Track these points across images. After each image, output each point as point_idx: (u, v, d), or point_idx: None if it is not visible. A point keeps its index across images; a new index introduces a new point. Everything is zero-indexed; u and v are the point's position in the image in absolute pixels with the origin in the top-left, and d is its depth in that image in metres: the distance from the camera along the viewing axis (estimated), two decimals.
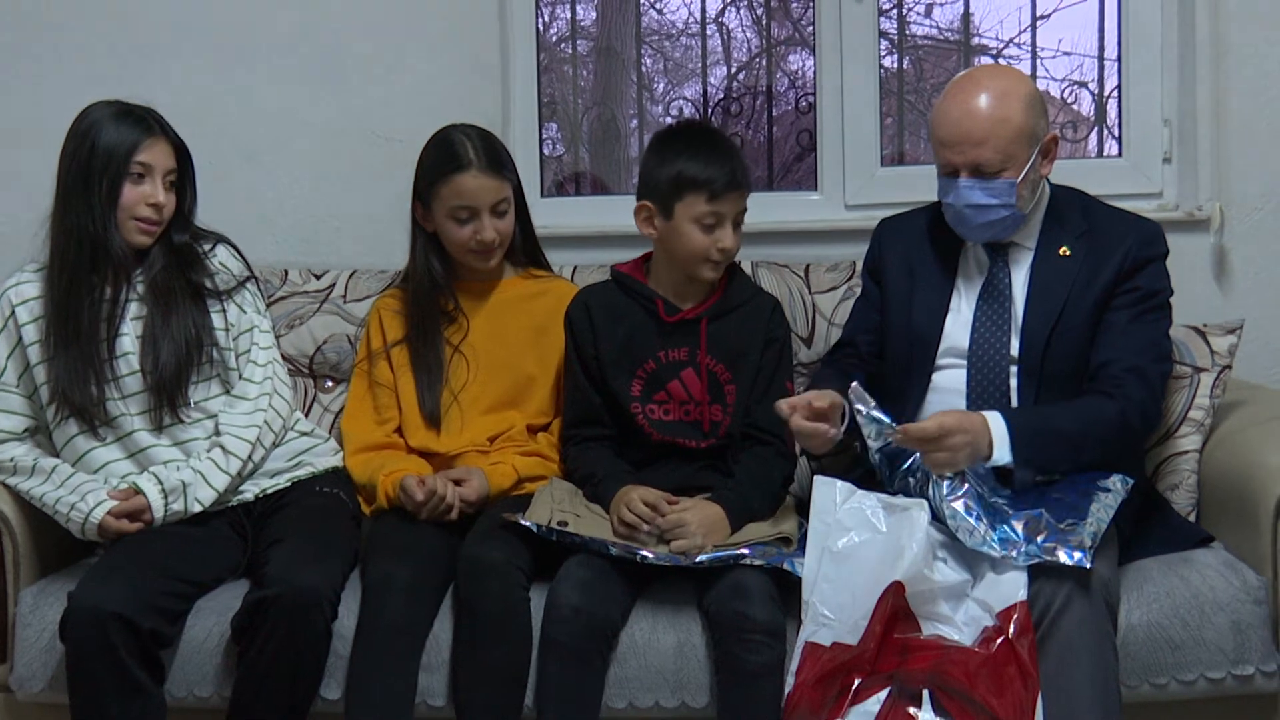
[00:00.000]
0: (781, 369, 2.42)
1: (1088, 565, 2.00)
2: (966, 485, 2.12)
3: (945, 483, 2.11)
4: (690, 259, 2.33)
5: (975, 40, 3.33)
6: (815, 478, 2.18)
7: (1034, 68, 3.18)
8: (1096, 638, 2.00)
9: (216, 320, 2.42)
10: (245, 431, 2.36)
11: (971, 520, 2.08)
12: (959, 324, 2.36)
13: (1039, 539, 2.04)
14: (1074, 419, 2.21)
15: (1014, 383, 2.30)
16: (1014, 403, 2.29)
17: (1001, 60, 3.23)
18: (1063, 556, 2.01)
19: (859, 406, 2.16)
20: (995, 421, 2.15)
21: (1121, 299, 2.29)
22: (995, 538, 2.06)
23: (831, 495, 2.15)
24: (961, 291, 2.38)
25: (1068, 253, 2.32)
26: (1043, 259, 2.33)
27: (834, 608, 2.05)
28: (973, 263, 2.39)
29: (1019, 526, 2.07)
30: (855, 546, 2.08)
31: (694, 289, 2.39)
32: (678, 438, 2.38)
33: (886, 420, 2.14)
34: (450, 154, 2.45)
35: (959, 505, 2.09)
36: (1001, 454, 2.14)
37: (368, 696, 2.12)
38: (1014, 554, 2.04)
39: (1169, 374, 2.38)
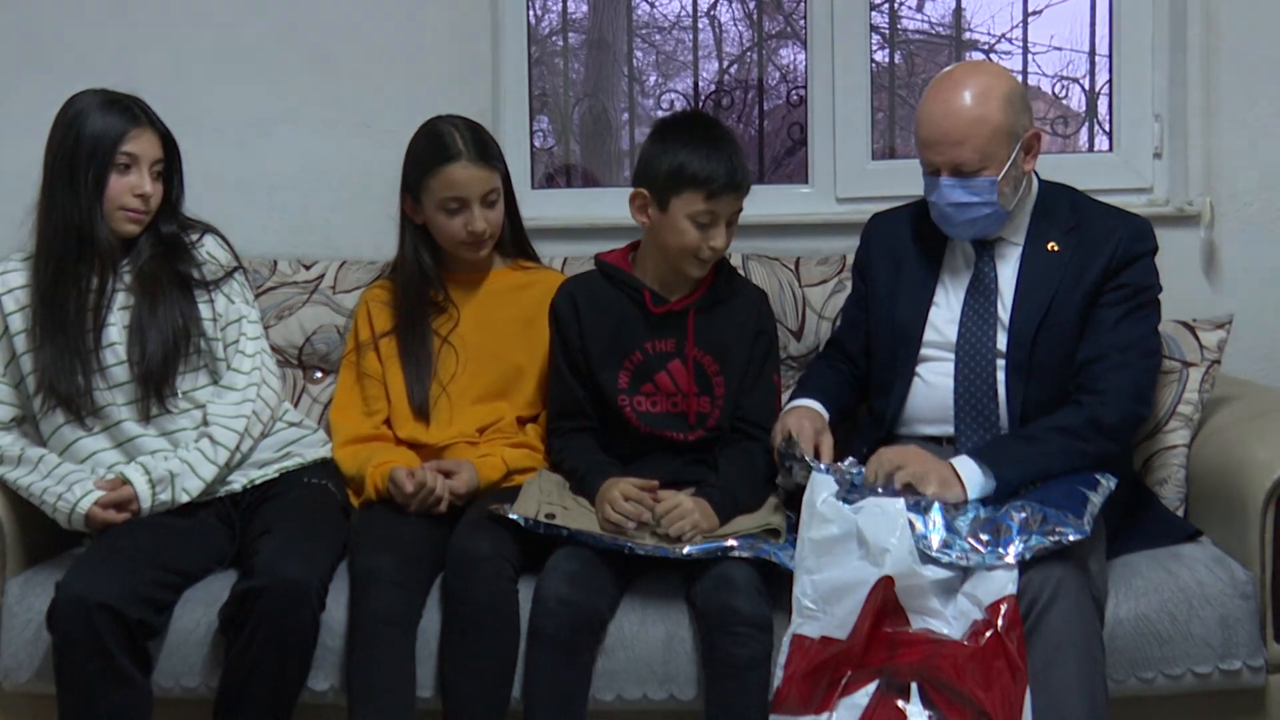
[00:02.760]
0: (770, 362, 2.42)
1: (1088, 531, 2.01)
2: (953, 515, 2.11)
3: (933, 531, 2.09)
4: (679, 254, 2.32)
5: (967, 35, 3.33)
6: (813, 472, 2.18)
7: (1025, 63, 3.18)
8: (1083, 632, 2.00)
9: (204, 310, 2.41)
10: (233, 422, 2.35)
11: (976, 549, 2.07)
12: (944, 318, 2.36)
13: (1038, 528, 2.04)
14: (1043, 432, 2.22)
15: (1001, 376, 2.30)
16: (1002, 397, 2.30)
17: (993, 56, 3.24)
18: (1067, 536, 2.01)
19: (814, 463, 2.19)
20: (960, 463, 2.16)
21: (1110, 295, 2.29)
22: (1000, 549, 2.05)
23: (821, 488, 2.15)
24: (948, 286, 2.39)
25: (1056, 248, 2.32)
26: (1031, 254, 2.34)
27: (818, 600, 2.05)
28: (959, 257, 2.40)
29: (1017, 521, 2.06)
30: (835, 539, 2.07)
31: (681, 280, 2.39)
32: (664, 430, 2.37)
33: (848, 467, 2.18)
34: (439, 145, 2.44)
35: (960, 550, 2.07)
36: (973, 481, 2.14)
37: (367, 692, 2.11)
38: (1017, 551, 2.03)
39: (1156, 369, 2.38)
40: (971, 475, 2.14)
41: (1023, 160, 2.30)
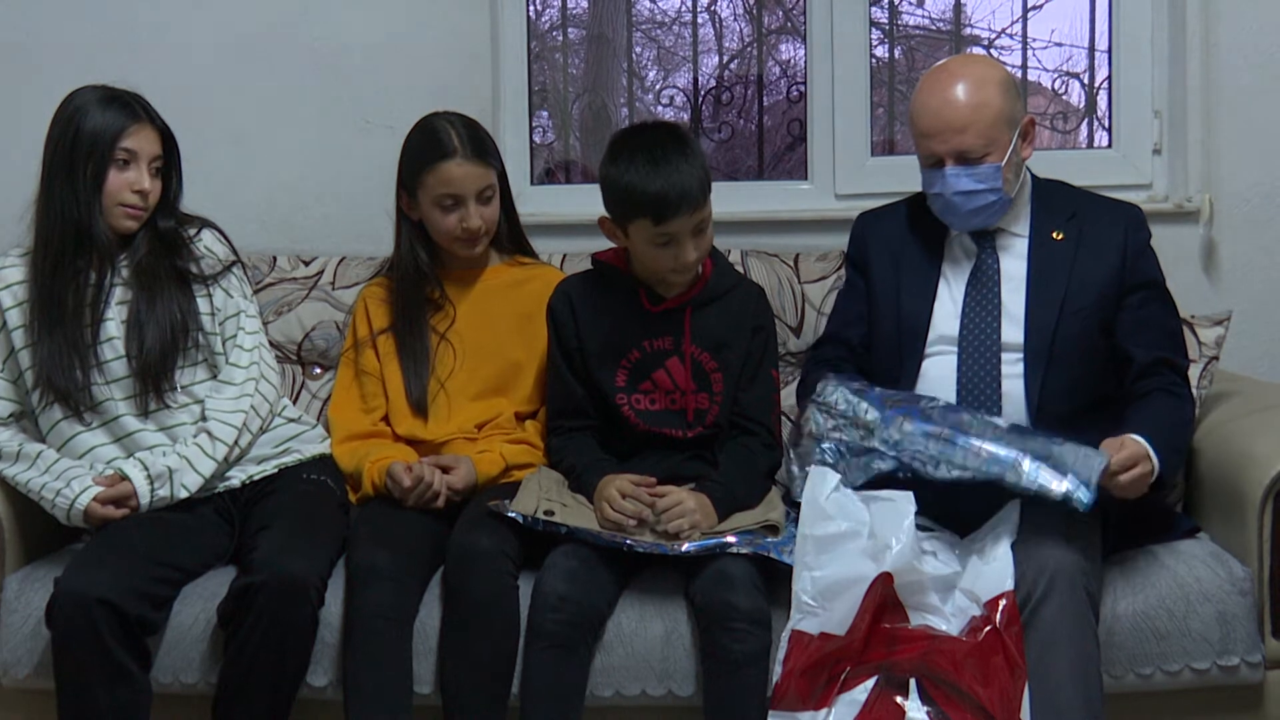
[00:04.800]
0: (768, 358, 2.42)
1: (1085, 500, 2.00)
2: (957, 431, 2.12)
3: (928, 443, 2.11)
4: (654, 272, 2.33)
5: (967, 30, 3.33)
6: (811, 467, 2.18)
7: (1025, 58, 3.18)
8: (1077, 627, 2.00)
9: (202, 305, 2.41)
10: (232, 417, 2.35)
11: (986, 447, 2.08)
12: (946, 312, 2.37)
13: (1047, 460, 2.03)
14: (1186, 422, 2.26)
15: (1014, 369, 2.30)
16: (1014, 389, 2.29)
17: (993, 51, 3.24)
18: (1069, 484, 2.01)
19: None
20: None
21: (1136, 296, 2.32)
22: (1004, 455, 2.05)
23: (821, 484, 2.15)
24: (949, 279, 2.39)
25: (1061, 236, 2.35)
26: (1038, 245, 2.36)
27: (818, 596, 2.05)
28: (959, 250, 2.40)
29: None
30: (839, 536, 2.08)
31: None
32: (663, 428, 2.37)
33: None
34: (435, 142, 2.44)
35: (970, 452, 2.07)
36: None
37: (364, 688, 2.11)
38: (1021, 467, 2.03)
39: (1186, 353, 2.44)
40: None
41: (1021, 147, 2.32)
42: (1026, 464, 2.04)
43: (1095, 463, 2.02)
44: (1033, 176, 2.42)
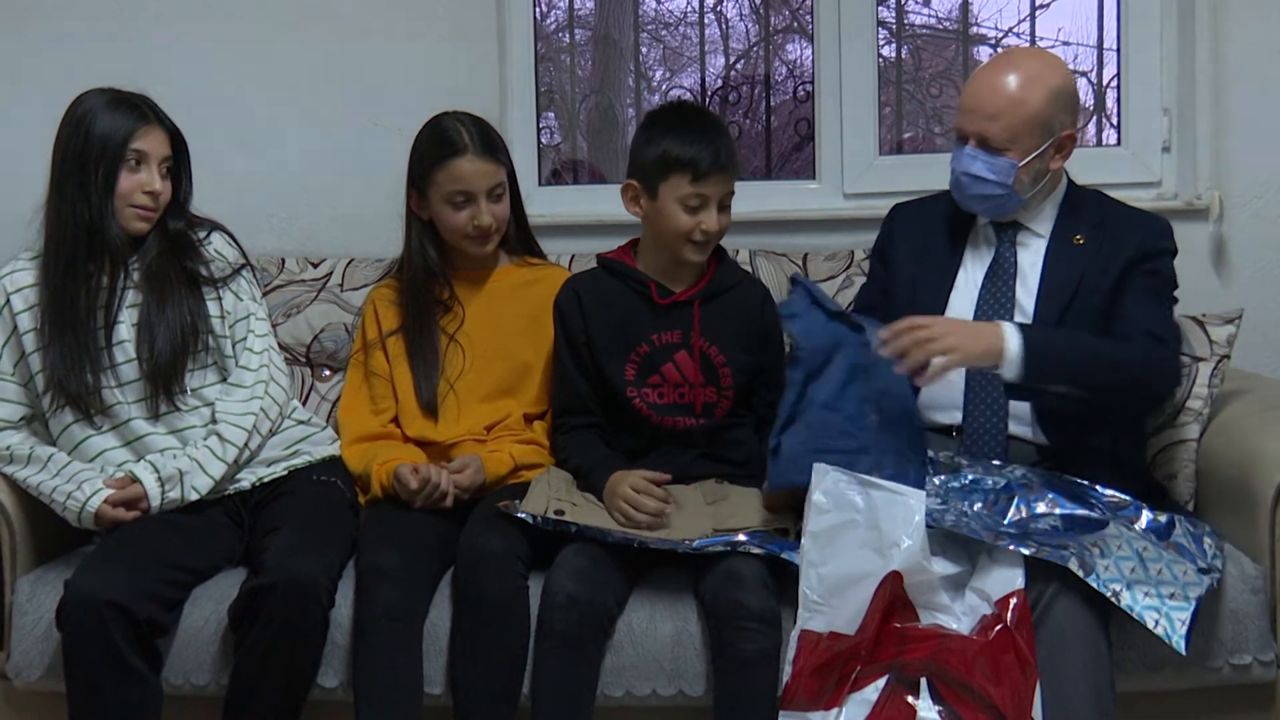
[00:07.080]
0: (785, 356, 2.41)
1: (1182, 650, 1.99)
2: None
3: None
4: (674, 239, 2.34)
5: (974, 29, 3.32)
6: (814, 463, 2.18)
7: None
8: (1088, 625, 2.00)
9: (212, 308, 2.41)
10: (242, 419, 2.35)
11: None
12: (963, 301, 2.37)
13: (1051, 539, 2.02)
14: (1096, 338, 2.22)
15: None
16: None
17: (999, 50, 3.23)
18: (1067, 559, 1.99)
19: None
20: (1007, 327, 2.15)
21: (1135, 281, 2.31)
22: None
23: (813, 479, 2.13)
24: (968, 269, 2.40)
25: (1082, 240, 2.35)
26: (1057, 244, 2.36)
27: (825, 594, 2.04)
28: (981, 242, 2.41)
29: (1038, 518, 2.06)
30: (835, 528, 2.06)
31: (683, 271, 2.40)
32: (674, 416, 2.37)
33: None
34: (445, 139, 2.45)
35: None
36: (1012, 349, 2.13)
37: (373, 689, 2.12)
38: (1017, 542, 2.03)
39: (1180, 352, 2.40)
40: (1012, 338, 2.13)
41: (1051, 157, 2.31)
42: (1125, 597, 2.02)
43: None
44: (1070, 182, 2.42)
